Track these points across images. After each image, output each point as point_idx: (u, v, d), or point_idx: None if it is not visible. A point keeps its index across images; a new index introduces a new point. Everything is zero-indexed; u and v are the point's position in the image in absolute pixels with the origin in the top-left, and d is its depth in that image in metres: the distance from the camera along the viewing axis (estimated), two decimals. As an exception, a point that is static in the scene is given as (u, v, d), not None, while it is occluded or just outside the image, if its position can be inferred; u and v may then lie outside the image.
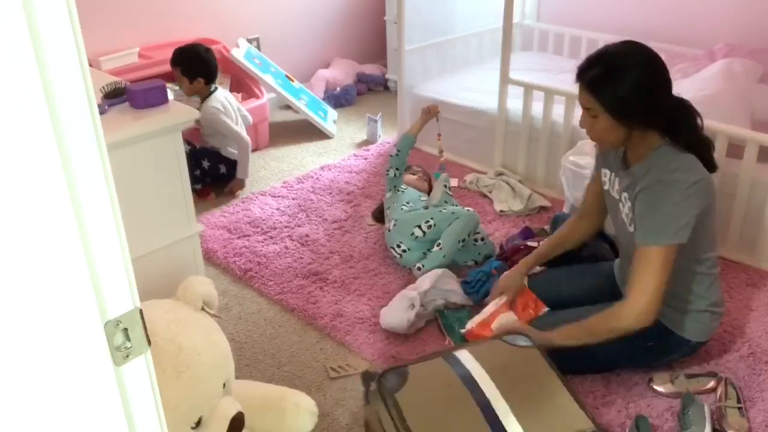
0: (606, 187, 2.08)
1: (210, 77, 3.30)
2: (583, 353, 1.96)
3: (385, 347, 2.27)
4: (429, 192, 3.05)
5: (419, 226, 2.64)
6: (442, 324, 2.33)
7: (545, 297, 2.24)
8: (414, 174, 3.15)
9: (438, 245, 2.60)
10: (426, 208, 2.81)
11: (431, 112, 3.04)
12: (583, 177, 2.73)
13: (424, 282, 2.40)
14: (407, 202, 2.84)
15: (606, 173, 2.07)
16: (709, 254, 1.96)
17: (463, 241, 2.61)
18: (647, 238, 1.81)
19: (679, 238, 1.79)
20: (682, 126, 1.86)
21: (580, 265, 2.44)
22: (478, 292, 2.40)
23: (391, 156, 2.99)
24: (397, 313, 2.30)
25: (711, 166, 1.88)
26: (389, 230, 2.74)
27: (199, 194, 3.30)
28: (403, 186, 2.97)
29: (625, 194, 1.94)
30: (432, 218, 2.65)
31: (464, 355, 1.80)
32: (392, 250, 2.71)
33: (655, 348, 2.01)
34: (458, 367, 1.77)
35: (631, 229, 1.91)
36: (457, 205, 2.84)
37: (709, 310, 1.98)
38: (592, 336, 1.89)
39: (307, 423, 1.80)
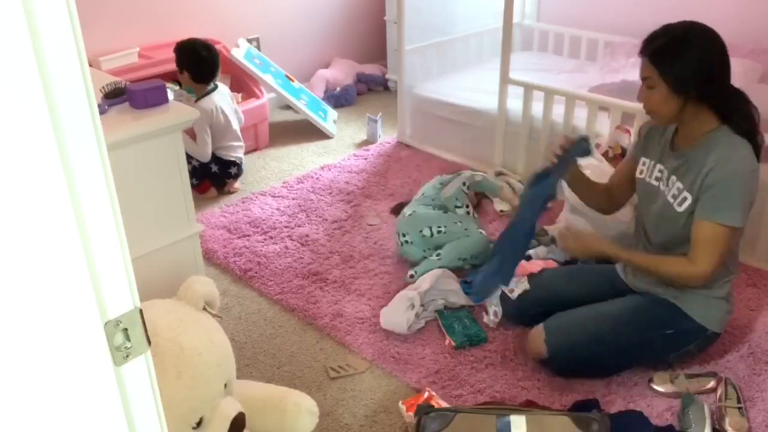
0: (642, 175, 2.09)
1: (198, 75, 3.25)
2: (601, 350, 2.02)
3: (385, 347, 2.27)
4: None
5: (430, 228, 2.67)
6: (442, 324, 2.33)
7: (545, 296, 2.25)
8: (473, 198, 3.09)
9: (438, 255, 2.61)
10: (440, 207, 2.83)
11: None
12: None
13: (424, 282, 2.40)
14: (423, 194, 2.90)
15: (645, 162, 2.08)
16: (735, 247, 2.01)
17: (465, 260, 2.62)
18: (714, 213, 1.85)
19: (741, 221, 1.85)
20: (737, 113, 1.88)
21: (579, 266, 2.45)
22: (478, 293, 2.40)
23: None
24: (397, 312, 2.30)
25: (759, 156, 1.90)
26: (404, 216, 2.78)
27: (199, 189, 3.29)
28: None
29: (673, 177, 1.95)
30: (445, 226, 2.67)
31: (518, 422, 1.73)
32: (397, 235, 2.74)
33: (674, 336, 2.03)
34: None
35: (680, 209, 1.92)
36: (469, 213, 2.86)
37: (725, 298, 2.02)
38: (660, 268, 1.98)
39: (307, 423, 1.80)
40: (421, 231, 2.68)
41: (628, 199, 2.26)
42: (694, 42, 1.84)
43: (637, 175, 2.11)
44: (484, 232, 2.72)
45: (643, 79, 1.91)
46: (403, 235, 2.71)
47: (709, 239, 1.86)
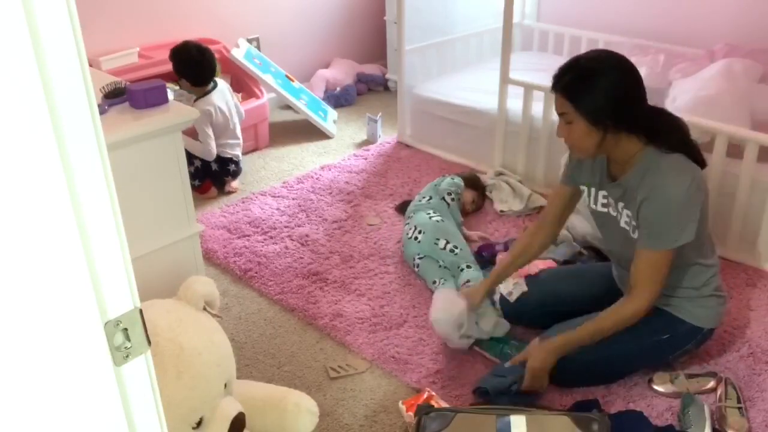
0: (589, 203, 2.11)
1: (196, 79, 3.24)
2: (599, 361, 2.01)
3: (385, 347, 2.27)
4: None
5: (447, 241, 2.64)
6: (491, 355, 2.21)
7: (544, 298, 2.25)
8: (473, 198, 3.10)
9: (417, 239, 2.68)
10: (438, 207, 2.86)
11: None
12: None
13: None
14: (428, 198, 2.92)
15: (585, 190, 2.10)
16: (708, 245, 2.03)
17: (438, 240, 2.64)
18: (652, 243, 1.87)
19: (684, 239, 1.85)
20: (661, 130, 1.90)
21: (577, 266, 2.45)
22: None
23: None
24: (448, 327, 2.18)
25: (700, 162, 1.91)
26: (429, 219, 2.75)
27: (200, 190, 3.30)
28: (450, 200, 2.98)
29: (620, 204, 1.97)
30: (461, 249, 2.64)
31: (518, 422, 1.73)
32: (412, 229, 2.75)
33: (670, 341, 2.03)
34: None
35: (635, 235, 1.94)
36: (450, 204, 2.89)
37: (714, 294, 2.03)
38: (597, 334, 1.96)
39: (307, 423, 1.80)
40: (437, 239, 2.65)
41: (562, 225, 2.28)
42: (601, 71, 1.85)
43: (589, 205, 2.12)
44: (478, 268, 2.59)
45: (560, 114, 1.92)
46: (419, 232, 2.69)
47: (647, 268, 1.89)
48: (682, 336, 2.03)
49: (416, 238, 2.69)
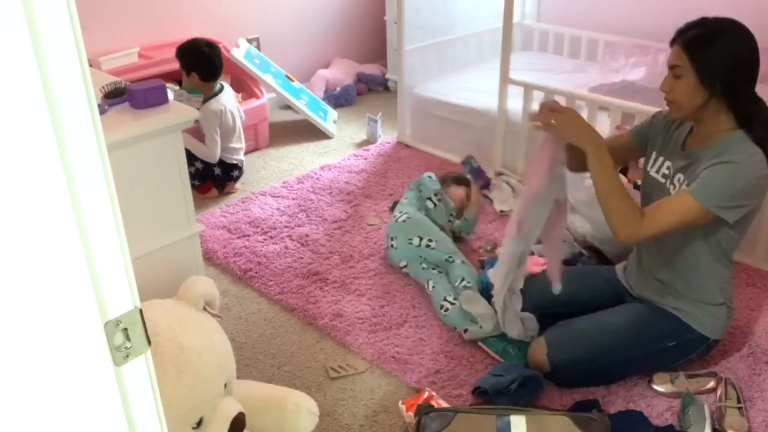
0: (649, 169, 2.06)
1: (207, 73, 3.25)
2: (603, 364, 2.00)
3: (385, 347, 2.27)
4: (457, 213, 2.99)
5: (420, 238, 2.63)
6: (495, 353, 2.21)
7: (545, 299, 2.24)
8: (461, 192, 3.00)
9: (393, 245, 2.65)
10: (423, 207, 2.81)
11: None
12: (583, 177, 2.72)
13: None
14: (406, 198, 2.87)
15: (654, 155, 2.05)
16: (736, 251, 2.00)
17: (412, 240, 2.62)
18: (696, 190, 1.79)
19: (723, 213, 1.79)
20: (756, 120, 1.85)
21: (579, 267, 2.45)
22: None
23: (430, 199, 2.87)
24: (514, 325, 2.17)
25: None
26: (396, 221, 2.73)
27: (200, 190, 3.29)
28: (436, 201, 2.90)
29: (680, 175, 1.92)
30: (437, 241, 2.62)
31: (518, 422, 1.73)
32: (387, 238, 2.74)
33: (675, 348, 2.01)
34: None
35: None
36: (437, 205, 2.82)
37: (726, 303, 2.00)
38: (610, 191, 1.87)
39: (307, 423, 1.80)
40: (410, 239, 2.64)
41: (627, 161, 2.23)
42: (729, 35, 1.82)
43: (646, 168, 2.08)
44: (465, 260, 2.59)
45: (671, 67, 1.86)
46: (392, 238, 2.69)
47: (669, 205, 1.82)
48: (688, 344, 2.02)
49: (392, 245, 2.68)
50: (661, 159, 2.02)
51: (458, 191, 2.97)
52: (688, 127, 1.97)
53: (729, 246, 1.94)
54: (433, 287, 2.46)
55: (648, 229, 1.82)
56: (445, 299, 2.39)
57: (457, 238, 2.84)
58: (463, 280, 2.44)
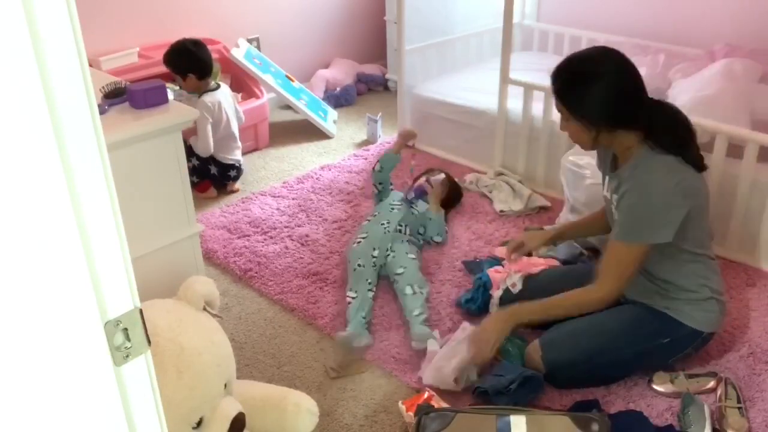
0: (603, 191, 2.14)
1: (201, 71, 3.23)
2: (599, 365, 2.01)
3: (385, 347, 2.27)
4: (446, 203, 3.04)
5: (377, 248, 2.60)
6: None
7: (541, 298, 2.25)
8: (438, 183, 3.05)
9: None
10: (392, 209, 2.80)
11: (407, 137, 3.09)
12: (583, 177, 2.73)
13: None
14: (375, 214, 2.83)
15: (606, 179, 2.12)
16: (705, 250, 2.02)
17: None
18: (620, 235, 1.91)
19: (657, 239, 1.87)
20: (658, 128, 1.91)
21: (578, 266, 2.46)
22: (477, 304, 2.40)
23: (373, 170, 2.98)
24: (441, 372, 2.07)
25: (698, 165, 1.92)
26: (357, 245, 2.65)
27: (199, 188, 3.29)
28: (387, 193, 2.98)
29: (615, 195, 1.99)
30: (394, 251, 2.61)
31: (518, 422, 1.73)
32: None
33: (670, 344, 2.03)
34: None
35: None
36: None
37: (714, 297, 2.02)
38: (556, 309, 2.03)
39: (307, 423, 1.80)
40: (372, 251, 2.58)
41: None
42: (593, 75, 1.87)
43: (603, 191, 2.15)
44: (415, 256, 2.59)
45: (559, 112, 1.98)
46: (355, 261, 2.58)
47: (613, 260, 1.93)
48: (682, 340, 2.03)
49: (361, 264, 2.58)
50: (606, 179, 2.11)
51: (436, 176, 3.09)
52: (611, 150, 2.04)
53: (696, 244, 1.97)
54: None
55: (609, 287, 1.94)
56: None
57: (428, 243, 2.85)
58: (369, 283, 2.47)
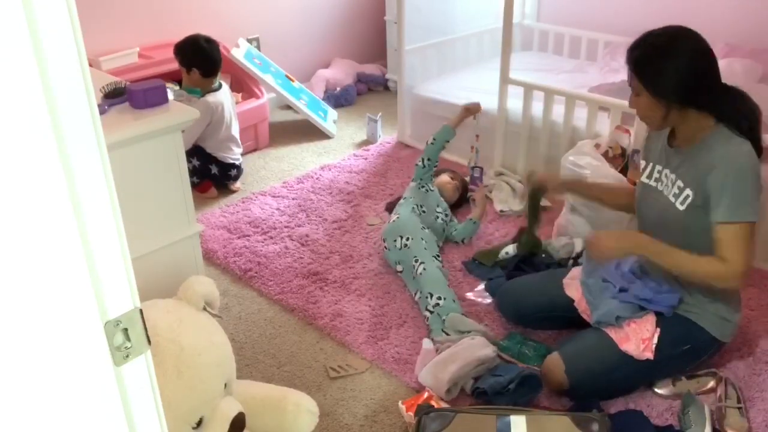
0: (643, 177, 2.08)
1: (207, 69, 3.24)
2: (620, 378, 1.98)
3: (385, 347, 2.27)
4: (453, 203, 3.07)
5: (401, 237, 2.64)
6: (511, 357, 2.18)
7: (545, 301, 2.24)
8: (452, 179, 3.14)
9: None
10: (437, 218, 2.82)
11: (471, 110, 3.07)
12: (583, 177, 2.73)
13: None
14: (421, 206, 2.83)
15: (650, 166, 2.06)
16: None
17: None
18: (733, 216, 1.80)
19: (757, 216, 1.81)
20: (732, 112, 1.87)
21: (548, 270, 2.46)
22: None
23: (426, 144, 3.00)
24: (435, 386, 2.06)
25: (759, 153, 1.87)
26: (388, 222, 2.74)
27: (199, 189, 3.29)
28: (432, 187, 2.97)
29: (672, 176, 1.94)
30: (412, 239, 2.61)
31: (518, 422, 1.72)
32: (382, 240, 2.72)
33: (690, 351, 1.99)
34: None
35: (682, 207, 1.90)
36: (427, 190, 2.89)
37: (736, 306, 2.01)
38: (682, 263, 1.88)
39: (307, 423, 1.80)
40: (395, 241, 2.65)
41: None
42: (674, 51, 1.83)
43: (641, 177, 2.09)
44: (438, 263, 2.56)
45: (630, 86, 1.93)
46: (383, 240, 2.71)
47: (734, 239, 1.81)
48: (701, 347, 2.00)
49: (386, 247, 2.70)
50: (651, 165, 2.05)
51: (443, 177, 3.11)
52: (667, 130, 2.00)
53: None
54: (419, 297, 2.45)
55: (737, 267, 1.82)
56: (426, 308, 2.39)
57: (448, 241, 2.87)
58: (418, 293, 2.44)
